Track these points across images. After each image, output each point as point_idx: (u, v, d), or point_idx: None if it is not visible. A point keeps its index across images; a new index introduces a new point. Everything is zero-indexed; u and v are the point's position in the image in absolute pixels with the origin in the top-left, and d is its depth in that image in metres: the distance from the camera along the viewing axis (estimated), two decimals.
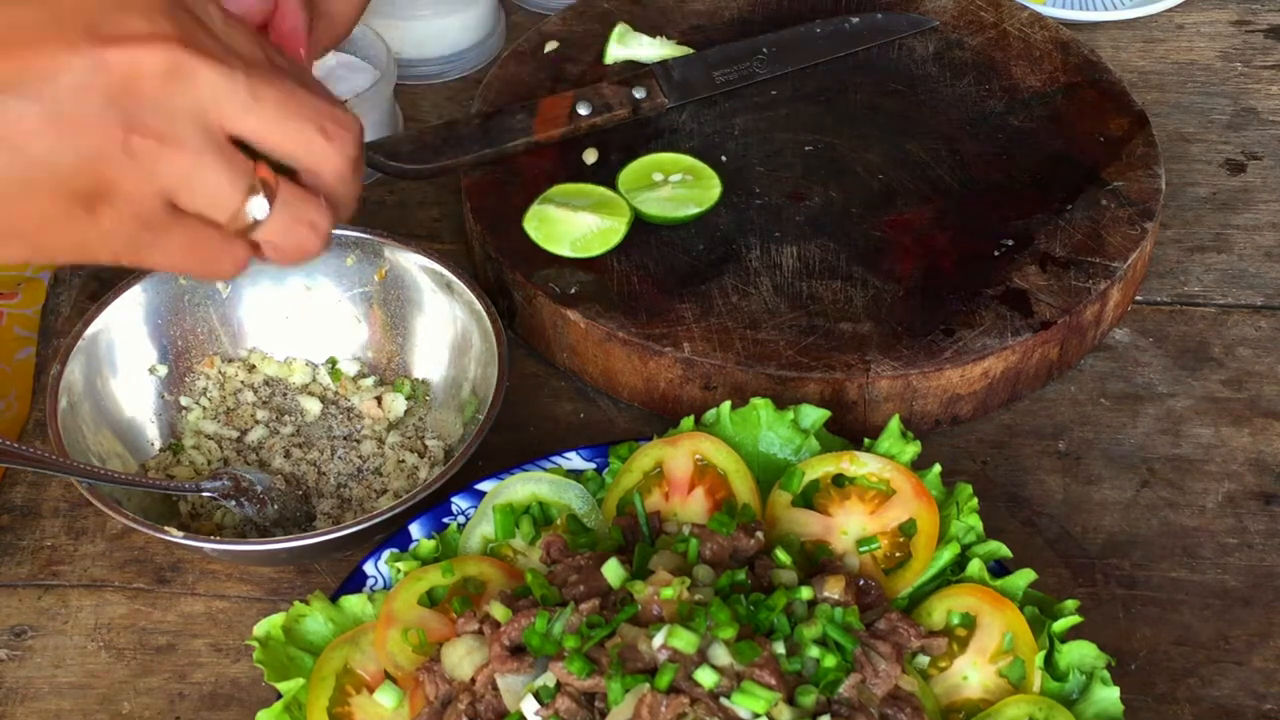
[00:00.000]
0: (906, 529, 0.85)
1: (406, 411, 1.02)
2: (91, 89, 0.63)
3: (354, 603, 0.85)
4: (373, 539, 0.89)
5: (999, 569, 0.85)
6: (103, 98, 0.63)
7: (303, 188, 0.70)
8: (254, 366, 1.04)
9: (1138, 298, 1.12)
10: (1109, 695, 0.79)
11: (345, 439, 1.01)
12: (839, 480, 0.88)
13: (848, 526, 0.86)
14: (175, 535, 0.88)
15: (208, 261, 0.69)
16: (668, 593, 0.76)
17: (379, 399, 1.02)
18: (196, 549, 0.92)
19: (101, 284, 1.12)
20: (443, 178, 1.15)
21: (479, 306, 0.99)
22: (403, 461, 0.99)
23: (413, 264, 1.02)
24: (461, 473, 0.91)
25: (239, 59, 0.66)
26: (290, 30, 0.83)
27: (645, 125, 1.18)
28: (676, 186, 1.11)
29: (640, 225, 1.09)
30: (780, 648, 0.75)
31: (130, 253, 0.67)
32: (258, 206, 0.68)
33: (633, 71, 1.21)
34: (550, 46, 1.25)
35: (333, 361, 1.04)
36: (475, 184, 1.12)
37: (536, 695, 0.74)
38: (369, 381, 1.03)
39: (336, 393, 1.03)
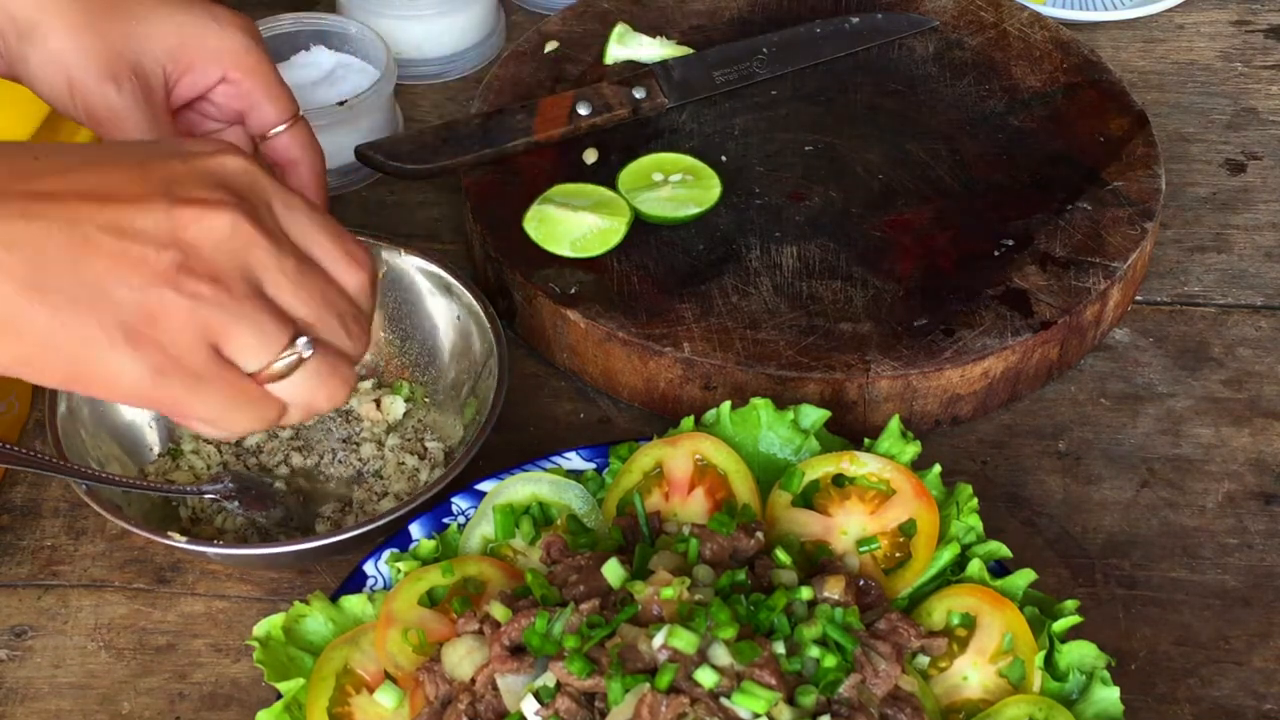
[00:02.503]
0: (906, 529, 0.85)
1: (406, 414, 1.02)
2: (157, 234, 0.68)
3: (354, 603, 0.85)
4: (374, 542, 0.89)
5: (999, 569, 0.85)
6: (165, 242, 0.68)
7: (330, 347, 0.73)
8: None
9: (1138, 298, 1.12)
10: (1109, 695, 0.79)
11: (345, 441, 1.01)
12: (839, 480, 0.88)
13: (848, 526, 0.86)
14: (179, 541, 0.88)
15: (239, 411, 0.71)
16: (668, 593, 0.76)
17: (378, 401, 1.02)
18: (199, 554, 0.92)
19: None
20: (443, 178, 1.15)
21: (478, 308, 0.99)
22: (403, 464, 0.99)
23: (411, 266, 1.02)
24: (461, 473, 0.91)
25: (289, 243, 0.72)
26: (310, 179, 0.94)
27: (645, 125, 1.18)
28: (676, 186, 1.11)
29: (640, 225, 1.09)
30: (780, 648, 0.75)
31: (165, 391, 0.69)
32: (298, 351, 0.72)
33: (633, 71, 1.21)
34: (550, 46, 1.25)
35: None
36: (475, 184, 1.12)
37: (536, 695, 0.74)
38: (368, 384, 1.03)
39: None
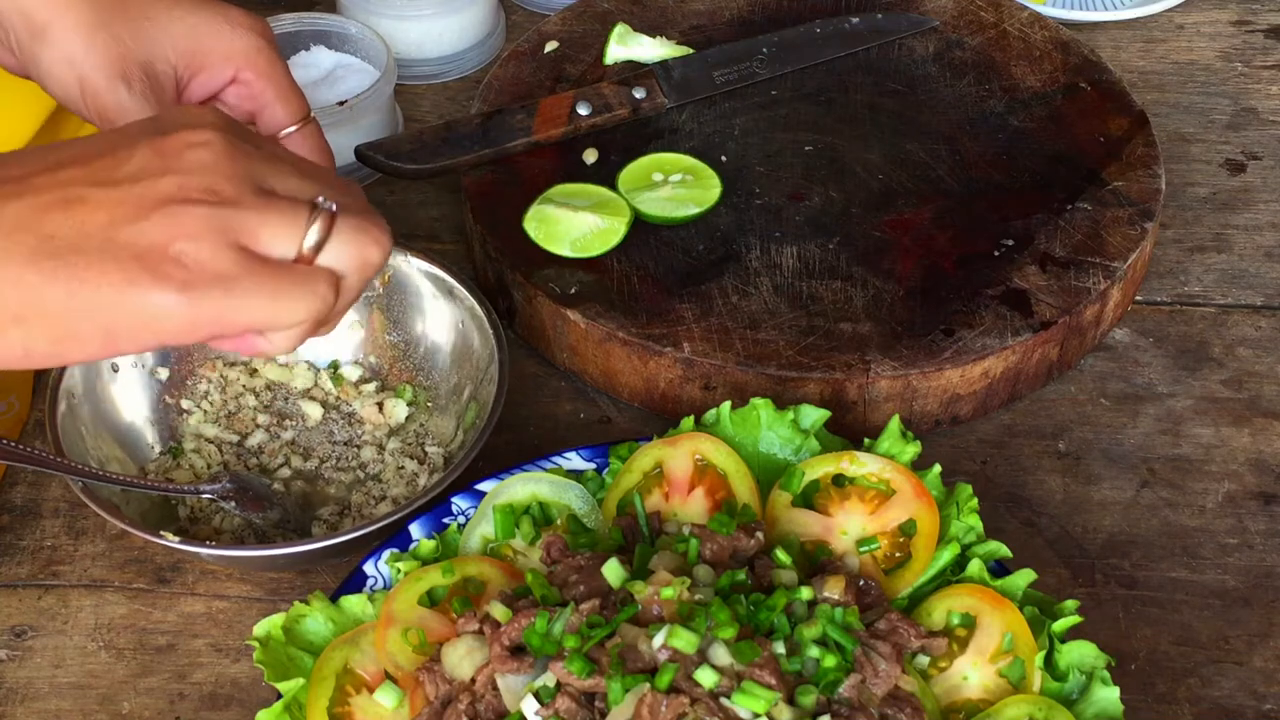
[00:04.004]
0: (906, 529, 0.85)
1: (407, 418, 1.02)
2: (149, 170, 0.68)
3: (354, 603, 0.85)
4: (369, 545, 0.89)
5: (999, 569, 0.85)
6: (160, 173, 0.68)
7: (350, 205, 0.73)
8: (255, 371, 1.04)
9: (1138, 298, 1.12)
10: (1109, 695, 0.79)
11: (346, 444, 1.01)
12: (839, 480, 0.88)
13: (848, 527, 0.86)
14: (172, 540, 0.88)
15: (289, 299, 0.70)
16: (668, 593, 0.76)
17: (380, 405, 1.02)
18: (193, 554, 0.92)
19: None
20: (443, 178, 1.15)
21: (480, 312, 0.98)
22: (402, 468, 0.98)
23: (415, 269, 1.02)
24: (462, 473, 0.91)
25: (279, 148, 0.73)
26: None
27: (645, 125, 1.18)
28: (676, 186, 1.11)
29: (640, 225, 1.09)
30: (780, 648, 0.75)
31: (204, 308, 0.68)
32: (322, 208, 0.70)
33: (633, 71, 1.21)
34: (550, 46, 1.25)
35: (335, 366, 1.04)
36: (475, 184, 1.12)
37: (536, 695, 0.74)
38: (370, 387, 1.03)
39: (338, 398, 1.03)
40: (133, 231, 0.66)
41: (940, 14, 1.27)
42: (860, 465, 0.88)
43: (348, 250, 0.71)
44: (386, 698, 0.80)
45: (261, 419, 1.02)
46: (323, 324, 0.74)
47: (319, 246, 0.70)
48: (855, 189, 1.12)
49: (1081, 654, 0.80)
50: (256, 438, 1.01)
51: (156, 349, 0.74)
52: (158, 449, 1.00)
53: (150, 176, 0.68)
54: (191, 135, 0.69)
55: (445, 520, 0.90)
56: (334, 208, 0.70)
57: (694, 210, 1.09)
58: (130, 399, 0.99)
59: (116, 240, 0.66)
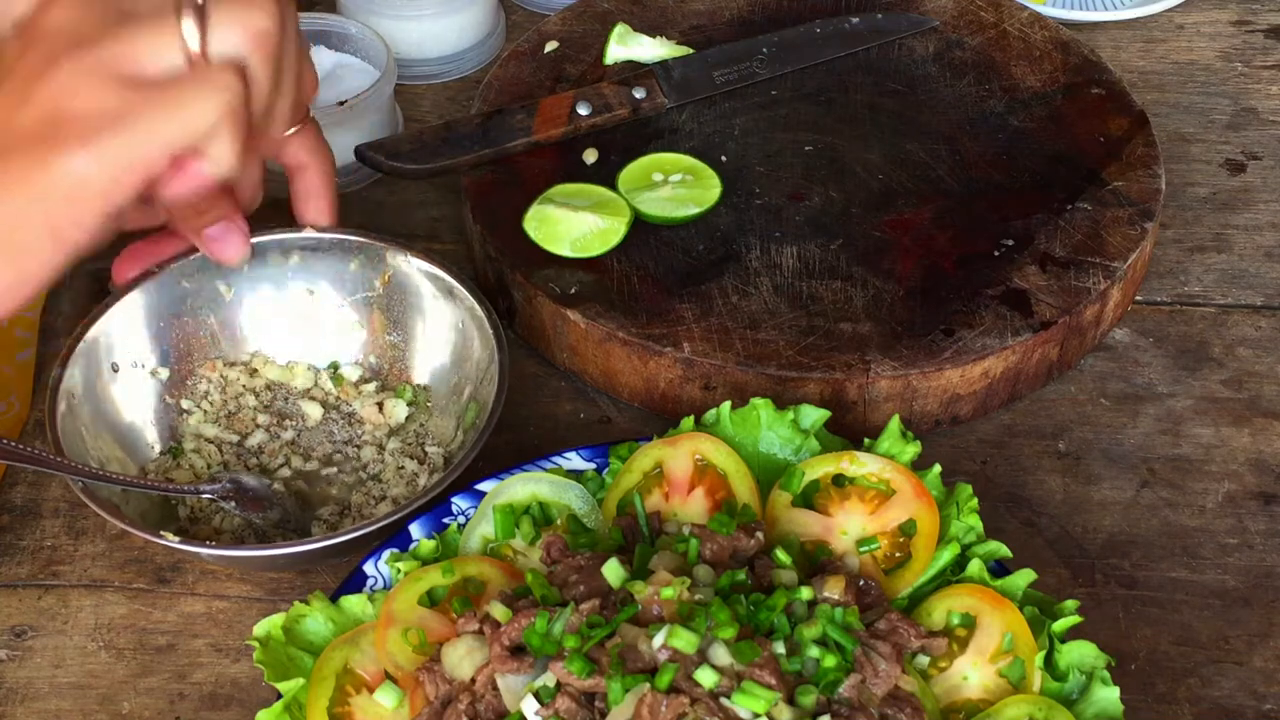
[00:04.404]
0: (906, 529, 0.85)
1: (407, 418, 1.02)
2: (13, 52, 0.67)
3: (354, 603, 0.85)
4: (369, 546, 0.89)
5: (999, 569, 0.85)
6: (24, 53, 0.67)
7: None
8: (256, 370, 1.04)
9: (1138, 298, 1.12)
10: (1109, 695, 0.79)
11: (346, 444, 1.01)
12: (839, 480, 0.88)
13: (848, 527, 0.86)
14: (172, 540, 0.88)
15: (196, 105, 0.68)
16: (668, 593, 0.76)
17: (380, 405, 1.02)
18: (193, 554, 0.92)
19: (102, 284, 1.12)
20: (443, 178, 1.15)
21: (480, 312, 0.98)
22: (402, 468, 0.98)
23: (415, 269, 1.02)
24: (462, 473, 0.91)
25: None
26: (319, 183, 0.95)
27: (645, 125, 1.18)
28: (676, 186, 1.11)
29: (640, 225, 1.09)
30: (780, 648, 0.75)
31: (119, 152, 0.66)
32: (194, 23, 0.68)
33: (633, 71, 1.21)
34: (550, 46, 1.25)
35: (335, 366, 1.04)
36: (475, 184, 1.12)
37: (537, 695, 0.74)
38: (371, 387, 1.03)
39: (338, 398, 1.03)
40: (21, 117, 0.65)
41: (940, 14, 1.27)
42: (860, 465, 0.88)
43: (233, 33, 0.69)
44: (386, 698, 0.80)
45: (261, 419, 1.02)
46: (254, 114, 0.70)
47: (202, 44, 0.68)
48: (855, 189, 1.12)
49: (1081, 654, 0.80)
50: (256, 438, 1.01)
51: (108, 226, 0.74)
52: (158, 449, 0.99)
53: (19, 60, 0.66)
54: (46, 5, 0.67)
55: (445, 520, 0.90)
56: (201, 0, 0.68)
57: (694, 210, 1.09)
58: (130, 399, 0.99)
59: (13, 133, 0.65)
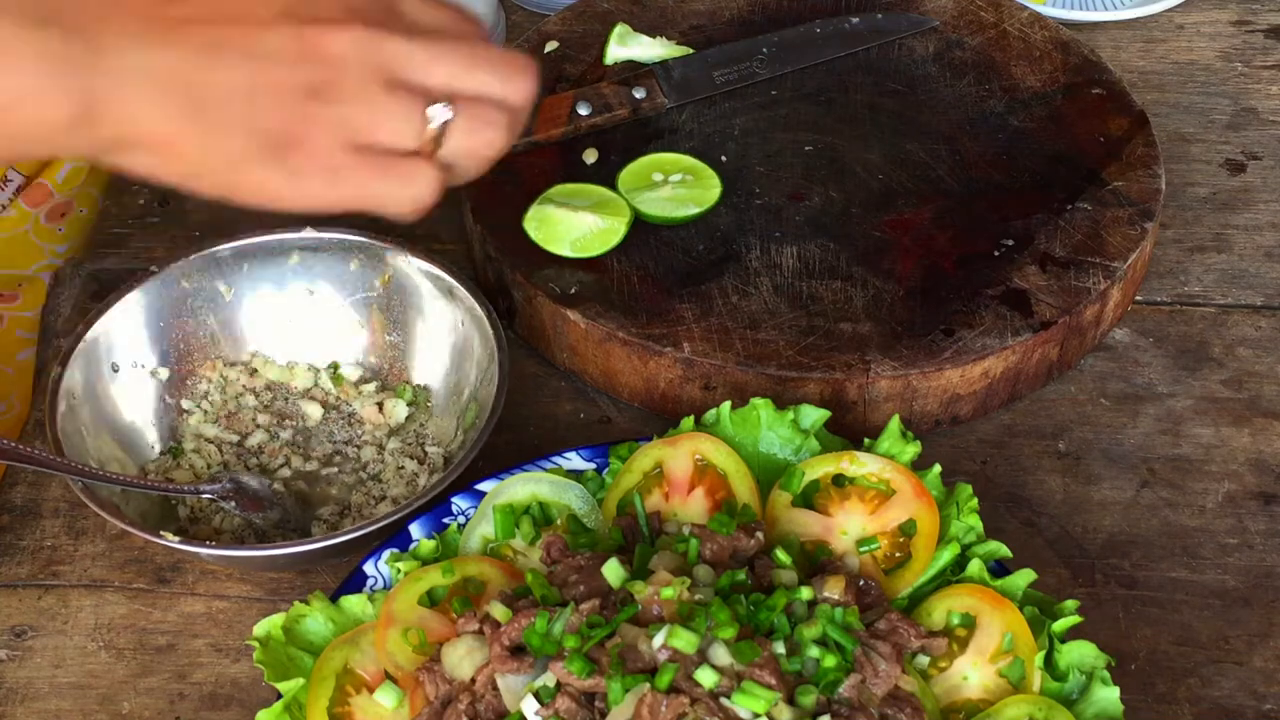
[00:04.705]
0: (906, 529, 0.85)
1: (408, 418, 1.02)
2: (287, 53, 0.74)
3: (354, 603, 0.85)
4: (369, 545, 0.89)
5: (999, 569, 0.85)
6: (296, 60, 0.74)
7: (475, 97, 0.79)
8: (256, 370, 1.04)
9: (1138, 298, 1.12)
10: (1109, 695, 0.79)
11: (346, 444, 1.01)
12: (839, 480, 0.88)
13: (848, 527, 0.86)
14: (172, 540, 0.88)
15: (399, 181, 0.78)
16: (668, 593, 0.76)
17: (380, 405, 1.02)
18: (193, 554, 0.92)
19: (102, 285, 1.12)
20: None
21: (480, 312, 0.98)
22: (402, 468, 0.98)
23: (415, 269, 1.02)
24: (462, 473, 0.91)
25: (423, 32, 0.77)
26: None
27: (645, 125, 1.18)
28: (677, 186, 1.11)
29: (640, 225, 1.09)
30: (780, 648, 0.75)
31: (320, 190, 0.77)
32: (439, 114, 0.77)
33: (633, 71, 1.21)
34: (550, 46, 1.25)
35: (335, 366, 1.04)
36: (475, 184, 1.12)
37: (536, 695, 0.74)
38: (370, 387, 1.03)
39: (338, 398, 1.03)
40: (265, 115, 0.74)
41: (940, 14, 1.27)
42: (860, 465, 0.88)
43: (463, 146, 0.78)
44: (386, 698, 0.80)
45: (261, 419, 1.02)
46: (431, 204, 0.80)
47: (435, 145, 0.76)
48: (855, 189, 1.12)
49: (1081, 654, 0.80)
50: (256, 438, 1.01)
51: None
52: (158, 449, 1.00)
53: (290, 63, 0.74)
54: (333, 26, 0.74)
55: (445, 520, 0.90)
56: (450, 114, 0.76)
57: (694, 210, 1.09)
58: (130, 399, 0.99)
59: (251, 118, 0.74)
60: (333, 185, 0.76)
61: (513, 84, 0.79)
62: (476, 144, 0.78)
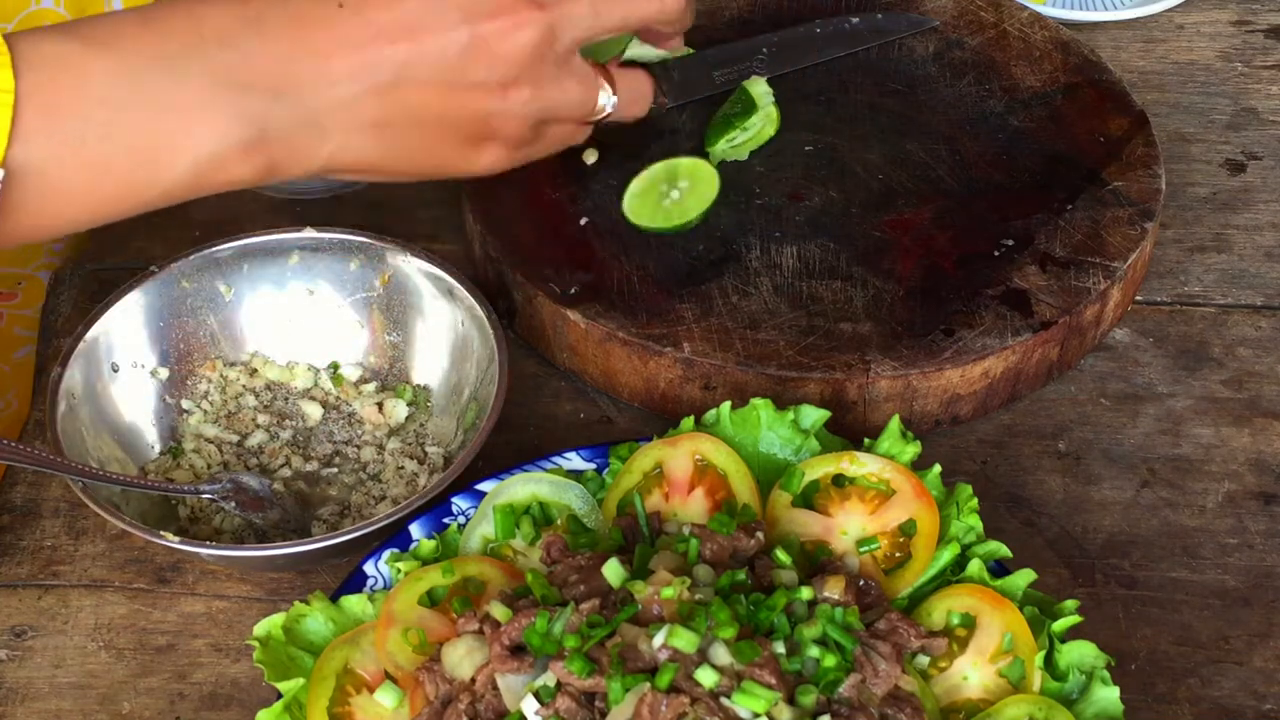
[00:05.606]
0: (906, 529, 0.85)
1: (407, 418, 1.02)
2: (470, 61, 0.81)
3: (354, 603, 0.85)
4: (369, 545, 0.89)
5: (999, 569, 0.85)
6: (484, 65, 0.82)
7: (628, 67, 0.98)
8: (255, 370, 1.04)
9: (1138, 298, 1.12)
10: (1109, 695, 0.79)
11: (346, 444, 1.01)
12: (839, 480, 0.88)
13: (848, 527, 0.86)
14: (171, 540, 0.88)
15: (567, 142, 0.94)
16: (668, 593, 0.76)
17: (380, 405, 1.02)
18: (193, 554, 0.92)
19: (101, 284, 1.12)
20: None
21: (480, 312, 0.98)
22: (402, 468, 0.98)
23: (415, 269, 1.02)
24: (462, 473, 0.91)
25: (589, 7, 0.87)
26: None
27: (645, 125, 1.18)
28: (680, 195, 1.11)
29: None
30: (780, 648, 0.75)
31: (505, 162, 0.89)
32: (607, 99, 0.93)
33: None
34: None
35: (334, 366, 1.04)
36: (475, 184, 1.12)
37: (537, 695, 0.74)
38: (370, 387, 1.03)
39: (338, 398, 1.03)
40: (463, 119, 0.83)
41: (940, 14, 1.27)
42: (860, 465, 0.88)
43: (620, 116, 0.95)
44: (386, 698, 0.80)
45: (261, 419, 1.02)
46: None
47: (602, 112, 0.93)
48: (855, 189, 1.12)
49: (1081, 654, 0.80)
50: (256, 438, 1.01)
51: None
52: (158, 449, 1.00)
53: (474, 65, 0.81)
54: (509, 22, 0.81)
55: (445, 520, 0.90)
56: (616, 99, 0.93)
57: (693, 215, 1.09)
58: (130, 399, 0.99)
59: (451, 124, 0.83)
60: (514, 156, 0.88)
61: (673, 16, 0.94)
62: (629, 113, 0.96)
